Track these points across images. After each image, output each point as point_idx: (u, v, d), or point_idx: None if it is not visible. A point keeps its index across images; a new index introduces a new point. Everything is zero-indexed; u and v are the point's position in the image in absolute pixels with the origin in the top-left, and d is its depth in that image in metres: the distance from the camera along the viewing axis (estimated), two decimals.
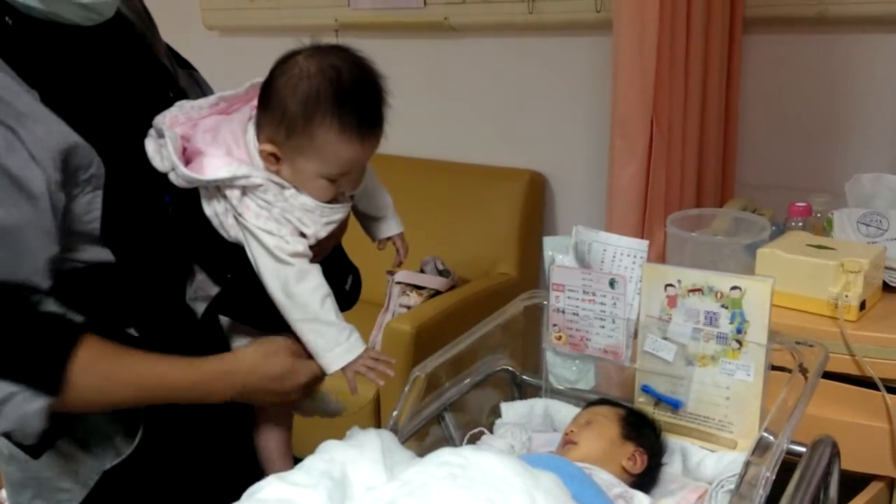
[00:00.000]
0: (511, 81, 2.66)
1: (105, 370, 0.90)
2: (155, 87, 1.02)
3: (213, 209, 0.98)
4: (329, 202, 0.99)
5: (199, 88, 1.14)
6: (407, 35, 2.73)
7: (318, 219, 0.99)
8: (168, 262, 1.01)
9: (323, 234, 1.00)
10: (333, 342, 0.99)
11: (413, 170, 2.74)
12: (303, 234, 0.99)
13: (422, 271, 2.45)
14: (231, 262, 1.00)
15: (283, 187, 0.97)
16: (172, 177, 0.95)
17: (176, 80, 1.07)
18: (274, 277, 0.97)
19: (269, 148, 0.96)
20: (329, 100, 0.93)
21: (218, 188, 0.97)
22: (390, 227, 1.16)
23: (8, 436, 0.89)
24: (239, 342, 1.07)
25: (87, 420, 0.99)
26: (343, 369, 1.00)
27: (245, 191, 0.96)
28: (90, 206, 0.91)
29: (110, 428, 1.02)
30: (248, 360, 0.99)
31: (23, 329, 0.86)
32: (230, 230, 0.98)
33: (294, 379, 1.01)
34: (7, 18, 0.87)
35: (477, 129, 2.78)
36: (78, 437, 1.00)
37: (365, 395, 2.26)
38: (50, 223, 0.86)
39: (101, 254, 0.93)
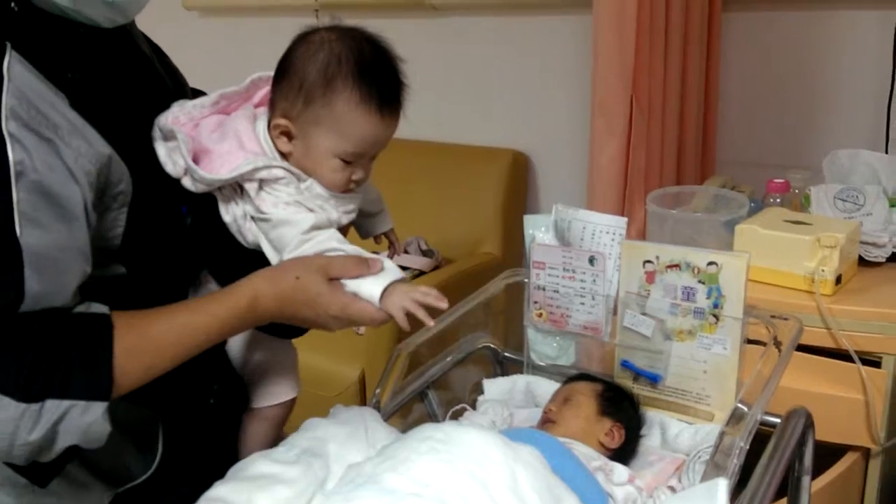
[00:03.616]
0: (492, 60, 2.66)
1: (146, 350, 0.85)
2: (151, 85, 0.98)
3: (231, 214, 0.96)
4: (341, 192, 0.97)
5: (176, 77, 1.08)
6: (387, 14, 2.72)
7: (336, 206, 0.97)
8: (178, 272, 0.98)
9: (345, 220, 0.99)
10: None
11: (395, 150, 2.69)
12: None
13: (405, 252, 2.45)
14: (245, 271, 0.95)
15: (300, 179, 0.95)
16: (187, 182, 0.92)
17: (161, 74, 1.02)
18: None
19: (282, 123, 0.93)
20: (351, 67, 0.91)
21: (235, 189, 0.94)
22: (385, 222, 1.14)
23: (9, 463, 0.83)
24: (252, 350, 1.06)
25: None
26: (387, 303, 0.91)
27: (262, 185, 0.93)
28: (115, 223, 0.87)
29: (123, 448, 0.97)
30: (273, 290, 0.90)
31: (58, 341, 0.79)
32: (248, 235, 0.96)
33: (324, 307, 0.90)
34: (13, 4, 0.80)
35: (459, 108, 2.78)
36: (88, 459, 0.94)
37: (350, 375, 2.28)
38: (85, 244, 0.81)
39: (114, 268, 0.90)
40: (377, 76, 0.93)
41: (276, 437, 1.09)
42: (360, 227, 1.14)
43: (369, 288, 0.91)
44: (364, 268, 0.92)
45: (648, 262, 1.13)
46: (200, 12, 3.24)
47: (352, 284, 0.91)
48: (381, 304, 0.90)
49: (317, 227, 0.94)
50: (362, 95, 0.91)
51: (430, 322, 0.91)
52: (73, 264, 0.81)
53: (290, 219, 0.93)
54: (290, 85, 0.93)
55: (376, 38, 0.95)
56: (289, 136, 0.95)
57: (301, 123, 0.93)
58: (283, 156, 0.96)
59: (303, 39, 0.95)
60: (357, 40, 0.93)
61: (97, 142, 0.82)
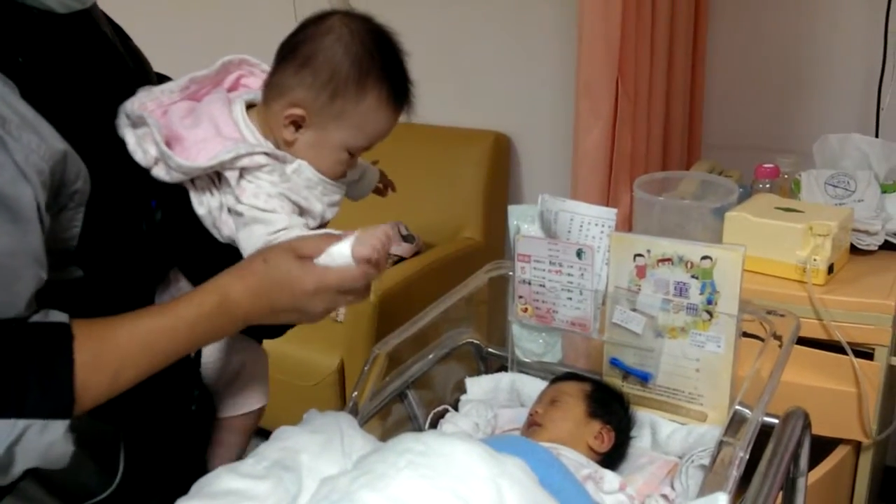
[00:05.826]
0: (474, 39, 2.59)
1: (110, 360, 0.78)
2: (113, 70, 0.90)
3: (206, 206, 0.89)
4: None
5: (140, 61, 1.00)
6: None
7: (321, 197, 0.92)
8: (143, 271, 0.91)
9: (329, 215, 0.94)
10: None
11: None
12: (301, 214, 0.92)
13: None
14: (220, 267, 0.89)
15: (285, 162, 0.89)
16: (159, 171, 0.86)
17: (124, 58, 0.94)
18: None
19: (298, 112, 0.89)
20: (382, 65, 0.90)
21: (212, 179, 0.88)
22: (373, 175, 1.11)
23: None
24: (222, 357, 1.00)
25: None
26: (357, 253, 0.84)
27: (243, 173, 0.88)
28: (71, 223, 0.80)
29: (81, 463, 0.89)
30: (243, 282, 0.84)
31: (11, 355, 0.72)
32: (223, 228, 0.90)
33: (300, 285, 0.83)
34: None
35: (440, 89, 2.70)
36: (42, 475, 0.87)
37: (329, 364, 2.22)
38: (39, 248, 0.74)
39: (69, 272, 0.83)
40: (403, 74, 0.92)
41: (244, 447, 1.04)
42: (349, 192, 1.06)
43: (338, 249, 0.84)
44: (332, 239, 0.86)
45: (639, 255, 1.08)
46: None
47: (322, 258, 0.84)
48: (353, 256, 0.83)
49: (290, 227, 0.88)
50: (389, 94, 0.90)
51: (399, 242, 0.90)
52: (27, 271, 0.73)
53: (264, 218, 0.87)
54: (316, 74, 0.88)
55: (390, 31, 0.93)
56: (298, 125, 0.90)
57: (320, 115, 0.89)
58: (286, 144, 0.90)
59: (320, 26, 0.89)
60: (380, 35, 0.91)
61: (51, 136, 0.75)
